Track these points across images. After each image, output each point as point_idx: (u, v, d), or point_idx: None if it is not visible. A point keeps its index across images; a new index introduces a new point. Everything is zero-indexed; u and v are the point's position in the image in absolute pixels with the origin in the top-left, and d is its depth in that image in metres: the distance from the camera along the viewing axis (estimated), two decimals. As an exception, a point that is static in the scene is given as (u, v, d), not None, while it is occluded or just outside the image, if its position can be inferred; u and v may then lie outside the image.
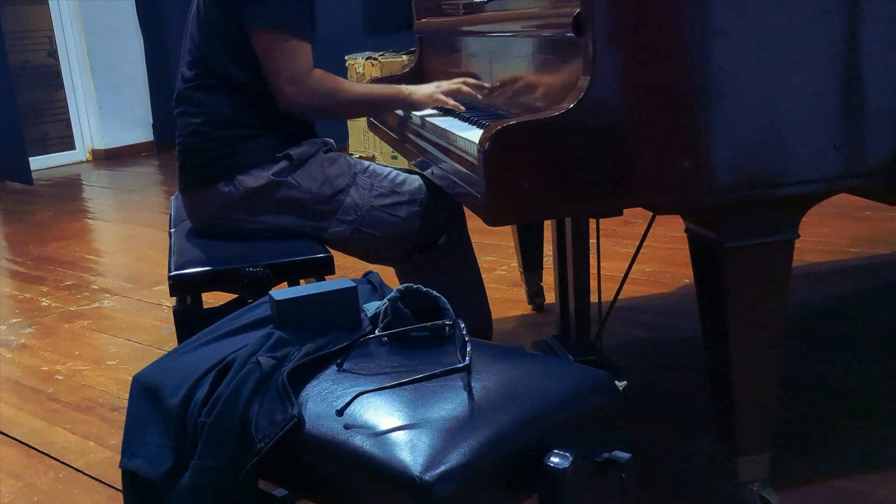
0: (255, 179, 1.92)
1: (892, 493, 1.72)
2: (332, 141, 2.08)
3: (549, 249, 2.42)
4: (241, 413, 1.21)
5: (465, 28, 2.24)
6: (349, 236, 1.99)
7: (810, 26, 1.44)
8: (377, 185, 2.00)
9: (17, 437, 2.32)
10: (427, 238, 2.02)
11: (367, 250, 2.04)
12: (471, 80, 2.08)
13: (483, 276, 2.18)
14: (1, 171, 6.33)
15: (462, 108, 2.00)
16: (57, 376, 2.72)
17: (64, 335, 3.09)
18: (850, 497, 1.72)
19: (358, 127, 5.38)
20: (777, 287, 1.54)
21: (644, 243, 2.01)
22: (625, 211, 1.48)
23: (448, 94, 2.03)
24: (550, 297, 2.78)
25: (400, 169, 2.09)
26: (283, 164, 1.94)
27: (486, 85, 2.05)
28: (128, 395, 1.39)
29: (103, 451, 2.20)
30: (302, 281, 1.93)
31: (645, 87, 1.41)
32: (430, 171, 1.92)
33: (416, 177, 2.05)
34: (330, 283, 1.39)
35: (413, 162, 2.12)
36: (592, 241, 2.10)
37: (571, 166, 1.40)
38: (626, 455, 1.15)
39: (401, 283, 2.03)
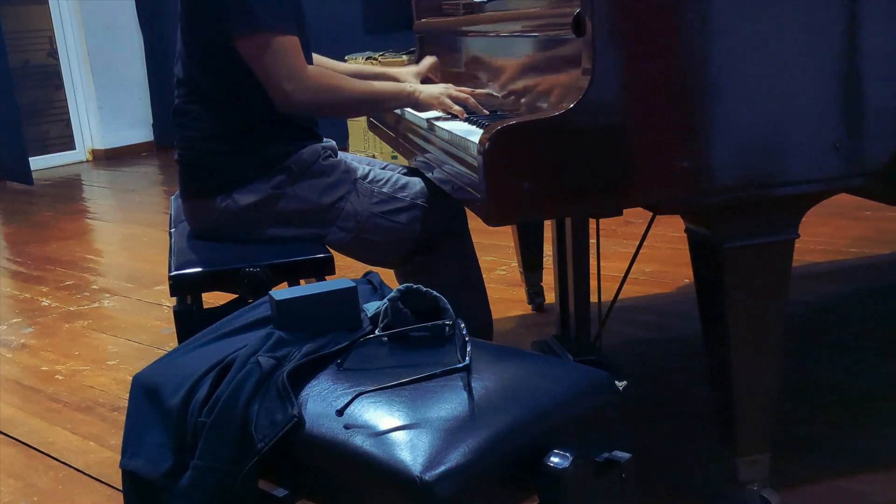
0: (253, 194, 1.91)
1: (892, 493, 1.72)
2: (332, 142, 2.06)
3: (549, 249, 2.42)
4: (241, 413, 1.21)
5: (465, 28, 2.24)
6: (350, 242, 1.98)
7: (810, 26, 1.44)
8: (377, 192, 1.99)
9: (17, 437, 2.32)
10: (428, 241, 2.02)
11: (368, 255, 2.04)
12: (480, 91, 2.05)
13: (483, 276, 2.18)
14: (1, 171, 6.33)
15: (464, 114, 1.97)
16: (57, 376, 2.72)
17: (64, 335, 3.09)
18: (850, 497, 1.72)
19: (358, 127, 5.38)
20: (777, 287, 1.54)
21: (644, 243, 2.01)
22: (625, 211, 1.48)
23: (456, 100, 2.00)
24: (550, 297, 2.78)
25: (401, 171, 2.09)
26: (281, 176, 1.92)
27: (494, 94, 2.01)
28: (128, 395, 1.39)
29: (103, 451, 2.20)
30: (302, 281, 1.93)
31: (645, 86, 1.40)
32: (429, 171, 1.92)
33: (417, 179, 2.04)
34: (330, 283, 1.39)
35: (412, 161, 2.11)
36: (592, 241, 2.10)
37: (571, 166, 1.40)
38: (626, 455, 1.15)
39: (400, 284, 2.03)
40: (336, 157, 2.03)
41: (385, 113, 2.41)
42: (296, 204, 1.94)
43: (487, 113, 1.98)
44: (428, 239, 2.01)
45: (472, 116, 1.92)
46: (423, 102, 2.01)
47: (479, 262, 2.17)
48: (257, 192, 1.91)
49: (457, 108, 1.98)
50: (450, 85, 2.07)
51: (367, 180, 2.00)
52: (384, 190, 2.00)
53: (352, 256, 2.05)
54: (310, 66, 1.88)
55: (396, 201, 1.99)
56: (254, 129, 1.92)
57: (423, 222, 1.99)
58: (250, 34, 1.82)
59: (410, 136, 2.15)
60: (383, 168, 2.11)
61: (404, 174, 2.07)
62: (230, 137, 1.92)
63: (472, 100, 1.99)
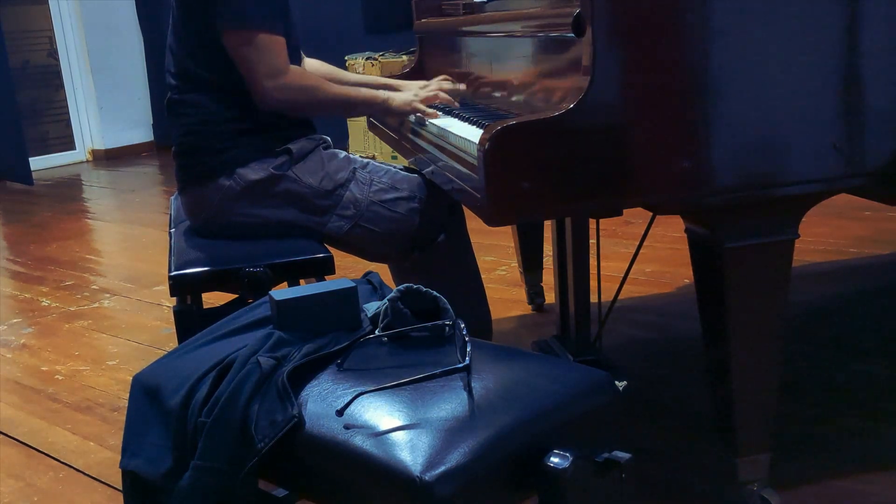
0: (255, 172, 1.93)
1: (892, 493, 1.72)
2: (328, 139, 2.08)
3: (549, 249, 2.42)
4: (241, 413, 1.21)
5: (465, 28, 2.24)
6: (348, 231, 1.99)
7: (810, 26, 1.44)
8: (377, 181, 2.01)
9: (17, 437, 2.32)
10: (426, 235, 2.03)
11: (365, 246, 2.04)
12: (446, 86, 2.12)
13: (483, 276, 2.18)
14: (1, 171, 6.33)
15: (438, 114, 2.01)
16: (57, 376, 2.72)
17: (64, 335, 3.09)
18: (850, 497, 1.72)
19: (358, 127, 5.38)
20: (777, 287, 1.54)
21: (644, 243, 2.01)
22: (625, 211, 1.48)
23: (425, 102, 2.06)
24: (550, 297, 2.78)
25: (399, 168, 2.10)
26: (283, 158, 1.95)
27: (461, 87, 2.11)
28: (128, 395, 1.39)
29: (103, 451, 2.20)
30: (302, 281, 1.93)
31: (645, 87, 1.41)
32: (429, 170, 1.92)
33: (416, 175, 2.05)
34: (330, 283, 1.39)
35: (412, 160, 2.12)
36: (592, 241, 2.10)
37: (571, 166, 1.40)
38: (626, 455, 1.15)
39: (398, 283, 2.04)
40: (332, 148, 2.06)
41: (360, 116, 2.46)
42: (297, 187, 1.96)
43: (458, 106, 2.05)
44: (426, 232, 2.02)
45: (472, 116, 1.92)
46: (397, 110, 2.08)
47: (479, 262, 2.17)
48: (259, 171, 1.94)
49: (430, 111, 2.04)
50: (421, 83, 2.10)
51: (367, 169, 2.03)
52: (384, 179, 2.02)
53: (350, 249, 2.06)
54: (292, 66, 1.93)
55: (396, 191, 2.01)
56: (248, 115, 1.95)
57: (422, 214, 2.00)
58: (237, 28, 1.87)
59: (410, 136, 2.15)
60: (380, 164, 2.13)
61: (402, 171, 2.08)
62: (229, 120, 1.95)
63: (441, 94, 2.07)
